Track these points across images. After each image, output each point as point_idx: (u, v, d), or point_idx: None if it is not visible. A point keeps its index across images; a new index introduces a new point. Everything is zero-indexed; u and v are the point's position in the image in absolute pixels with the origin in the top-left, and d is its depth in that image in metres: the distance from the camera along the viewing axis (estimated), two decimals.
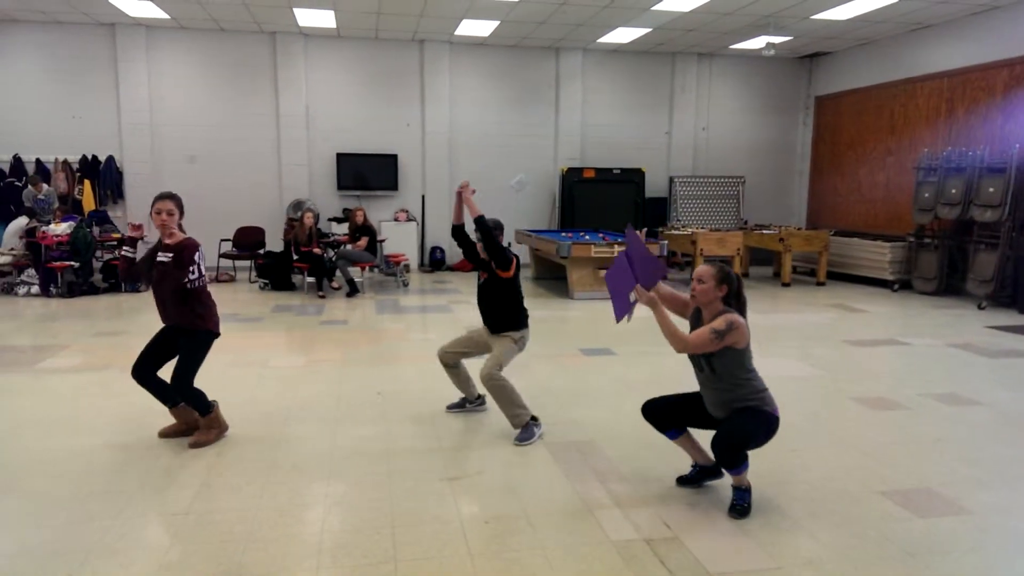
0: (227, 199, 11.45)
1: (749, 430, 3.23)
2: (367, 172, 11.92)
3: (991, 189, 8.88)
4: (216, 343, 4.16)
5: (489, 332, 4.43)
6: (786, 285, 10.69)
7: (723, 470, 3.40)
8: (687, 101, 12.93)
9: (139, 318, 7.79)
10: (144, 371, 4.10)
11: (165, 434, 4.19)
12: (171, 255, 3.96)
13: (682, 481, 3.60)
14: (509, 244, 11.84)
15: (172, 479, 3.61)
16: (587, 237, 10.25)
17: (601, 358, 6.21)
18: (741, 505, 3.31)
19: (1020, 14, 9.03)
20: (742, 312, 3.33)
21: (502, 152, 12.49)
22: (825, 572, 2.80)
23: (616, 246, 9.29)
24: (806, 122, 13.43)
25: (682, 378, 5.49)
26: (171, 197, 4.01)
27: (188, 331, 4.02)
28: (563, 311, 8.53)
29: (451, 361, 4.58)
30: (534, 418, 4.26)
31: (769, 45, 10.76)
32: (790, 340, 6.78)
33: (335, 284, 9.64)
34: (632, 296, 3.24)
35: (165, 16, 10.35)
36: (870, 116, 11.79)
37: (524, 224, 12.38)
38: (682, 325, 3.35)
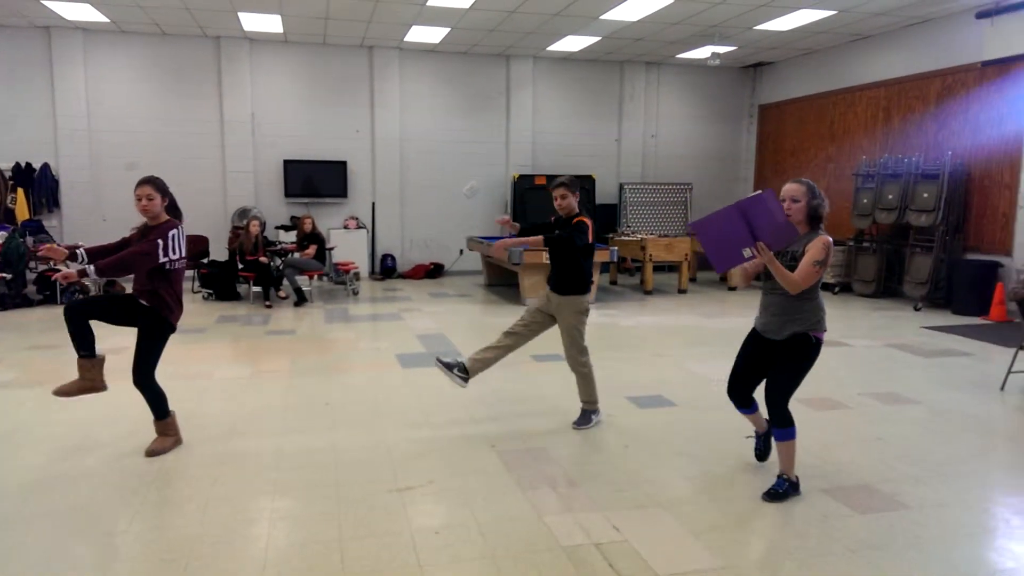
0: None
1: (795, 377, 3.49)
2: (315, 179, 11.74)
3: (925, 194, 9.24)
4: None
5: (554, 292, 4.48)
6: (732, 289, 10.91)
7: (771, 438, 3.71)
8: (636, 109, 13.12)
9: None
10: (83, 311, 3.85)
11: (61, 392, 3.90)
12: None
13: (757, 451, 3.95)
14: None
15: (110, 498, 3.47)
16: None
17: (553, 364, 6.22)
18: (776, 491, 3.50)
19: (951, 26, 9.43)
20: (822, 222, 3.44)
21: (454, 159, 12.47)
22: (771, 571, 2.85)
23: None
24: (750, 130, 13.76)
25: (631, 380, 5.54)
26: (150, 181, 3.96)
27: (152, 312, 3.91)
28: (516, 317, 8.46)
29: (509, 340, 4.53)
30: (597, 408, 4.58)
31: (714, 55, 11.00)
32: (736, 343, 6.87)
33: (282, 293, 9.45)
34: (747, 252, 3.27)
35: (104, 19, 10.03)
36: (811, 124, 12.15)
37: (476, 231, 12.36)
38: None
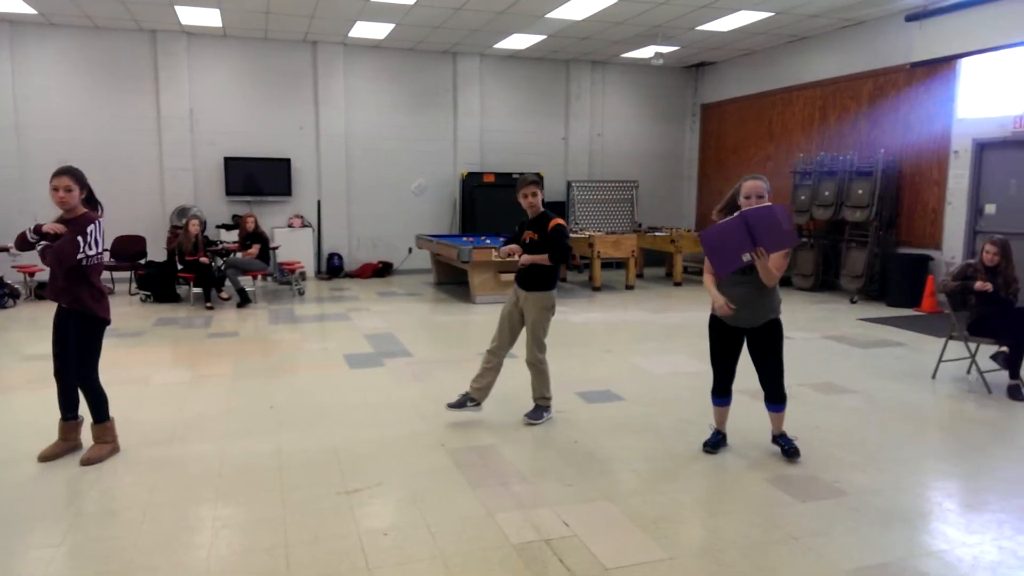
0: (104, 206, 10.70)
1: (781, 357, 3.87)
2: (258, 177, 11.47)
3: (860, 191, 9.57)
4: None
5: (521, 289, 4.49)
6: (678, 284, 11.11)
7: (771, 411, 3.95)
8: (582, 107, 13.22)
9: (3, 336, 7.17)
10: (65, 369, 3.87)
11: (45, 457, 3.89)
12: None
13: (708, 446, 4.06)
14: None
15: (44, 508, 3.32)
16: (488, 241, 10.27)
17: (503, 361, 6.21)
18: (792, 447, 3.91)
19: (882, 28, 9.78)
20: None
21: (401, 156, 12.36)
22: (715, 560, 2.91)
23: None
24: (693, 129, 14.02)
25: (581, 376, 5.58)
26: (68, 172, 3.76)
27: (77, 314, 3.77)
28: (465, 315, 8.51)
29: (497, 356, 4.55)
30: (549, 405, 4.61)
31: (658, 55, 11.16)
32: (683, 338, 7.03)
33: (224, 295, 9.21)
34: (746, 257, 3.54)
35: (31, 11, 9.59)
36: (751, 123, 12.45)
37: (425, 229, 12.28)
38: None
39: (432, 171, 12.52)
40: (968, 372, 5.70)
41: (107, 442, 3.95)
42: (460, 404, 4.58)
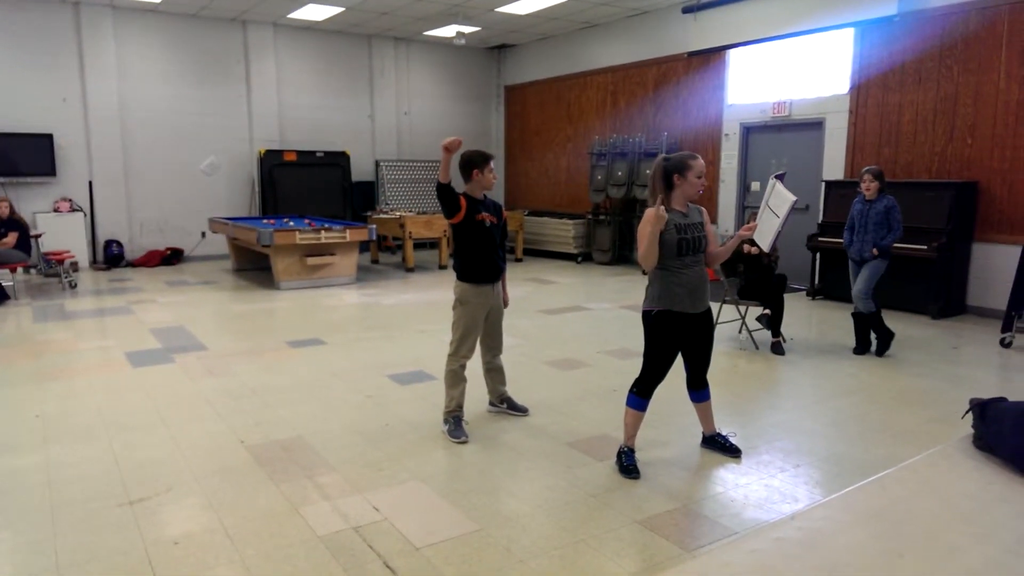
0: None
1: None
2: (13, 154, 9.97)
3: (648, 171, 10.30)
4: None
5: (495, 283, 4.23)
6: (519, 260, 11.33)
7: (703, 400, 3.89)
8: (387, 85, 12.96)
9: None
10: None
11: None
12: None
13: (633, 471, 3.50)
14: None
15: None
16: (291, 223, 9.79)
17: (310, 349, 5.97)
18: (732, 443, 3.84)
19: (663, 18, 10.55)
20: None
21: (189, 132, 11.34)
22: (520, 525, 3.00)
23: (323, 232, 8.98)
24: (499, 110, 14.31)
25: (393, 358, 5.51)
26: None
27: None
28: (268, 303, 8.05)
29: (484, 362, 4.30)
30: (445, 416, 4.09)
31: (459, 34, 11.20)
32: None
33: None
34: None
35: None
36: (551, 106, 12.94)
37: (220, 211, 11.42)
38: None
39: (226, 148, 11.64)
40: (740, 332, 6.39)
41: None
42: (513, 407, 4.39)
